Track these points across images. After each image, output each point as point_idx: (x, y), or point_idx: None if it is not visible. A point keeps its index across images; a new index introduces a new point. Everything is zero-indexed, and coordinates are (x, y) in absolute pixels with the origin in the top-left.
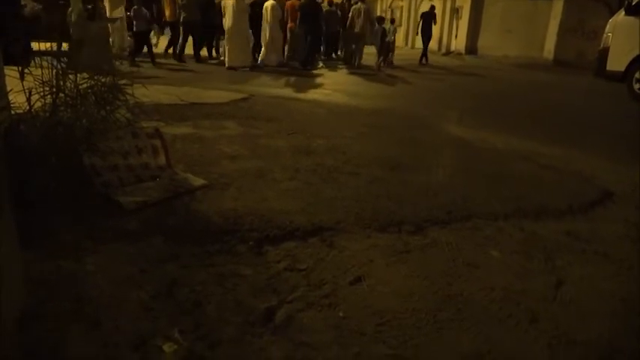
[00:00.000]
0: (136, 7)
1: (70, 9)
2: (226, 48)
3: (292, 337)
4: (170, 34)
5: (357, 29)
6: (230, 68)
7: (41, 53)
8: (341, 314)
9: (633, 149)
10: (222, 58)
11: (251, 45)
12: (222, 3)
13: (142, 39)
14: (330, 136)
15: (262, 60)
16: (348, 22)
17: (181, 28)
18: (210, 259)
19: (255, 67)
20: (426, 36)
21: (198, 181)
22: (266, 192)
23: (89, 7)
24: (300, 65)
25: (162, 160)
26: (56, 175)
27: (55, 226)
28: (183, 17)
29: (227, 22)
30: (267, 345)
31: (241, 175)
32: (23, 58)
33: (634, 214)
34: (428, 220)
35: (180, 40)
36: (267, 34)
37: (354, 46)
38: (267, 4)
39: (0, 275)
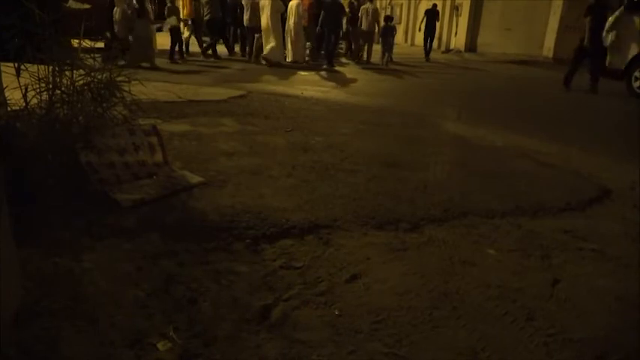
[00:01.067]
0: (169, 4)
1: (115, 8)
2: (262, 44)
3: (288, 334)
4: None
5: (364, 27)
6: (266, 63)
7: (90, 50)
8: (337, 312)
9: (632, 147)
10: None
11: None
12: (244, 2)
13: (175, 35)
14: (328, 133)
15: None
16: (358, 21)
17: (206, 26)
18: (207, 256)
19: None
20: (431, 34)
21: (195, 179)
22: (263, 189)
23: (136, 6)
24: (327, 63)
25: (159, 157)
26: (52, 172)
27: (51, 223)
28: (209, 15)
29: (263, 21)
30: (263, 342)
31: (238, 172)
32: (19, 54)
33: (632, 211)
34: (425, 217)
35: (210, 39)
36: (292, 32)
37: (362, 42)
38: (292, 4)
39: None
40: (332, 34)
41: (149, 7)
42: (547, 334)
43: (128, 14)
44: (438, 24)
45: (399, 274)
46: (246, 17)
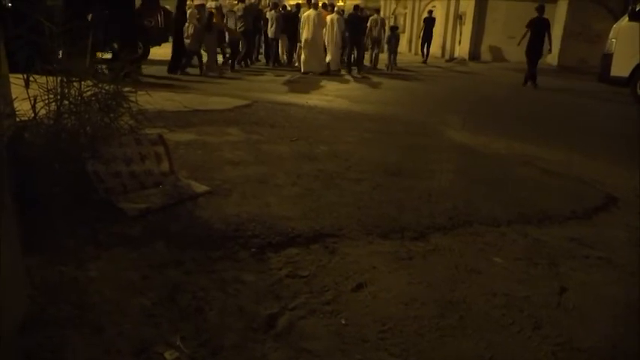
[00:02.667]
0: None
1: (187, 24)
2: (302, 55)
3: (294, 343)
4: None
5: (375, 34)
6: (305, 73)
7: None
8: (343, 321)
9: (636, 154)
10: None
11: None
12: (267, 14)
13: (235, 46)
14: (333, 142)
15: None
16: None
17: (242, 37)
18: (213, 265)
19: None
20: (428, 39)
21: (201, 188)
22: (268, 198)
23: (206, 20)
24: (357, 71)
25: (165, 166)
26: (59, 181)
27: (57, 232)
28: (242, 28)
29: (305, 33)
30: (269, 351)
31: (244, 181)
32: (28, 66)
33: (637, 219)
34: (430, 226)
35: (243, 49)
36: (332, 43)
37: (372, 49)
38: (329, 17)
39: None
40: (357, 44)
41: (221, 22)
42: (555, 343)
43: (199, 29)
44: (438, 32)
45: (405, 283)
46: (271, 29)
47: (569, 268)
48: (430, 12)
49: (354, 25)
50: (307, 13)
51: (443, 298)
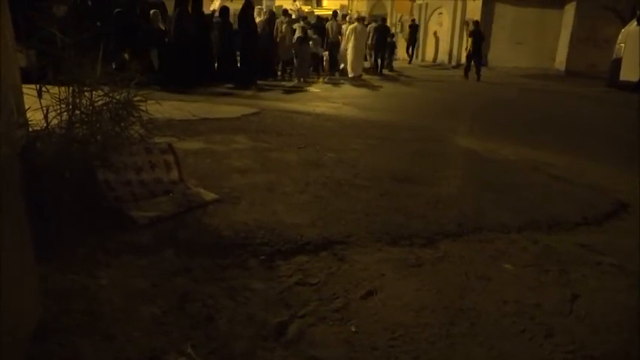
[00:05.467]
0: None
1: (281, 35)
2: (349, 62)
3: (304, 351)
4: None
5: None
6: (353, 78)
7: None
8: (353, 329)
9: None
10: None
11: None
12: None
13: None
14: (340, 149)
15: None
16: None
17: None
18: (222, 273)
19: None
20: (413, 43)
21: (209, 196)
22: (277, 206)
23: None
24: (378, 72)
25: (174, 174)
26: (71, 189)
27: (68, 240)
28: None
29: (346, 43)
30: (279, 359)
31: (252, 188)
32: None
33: None
34: (439, 233)
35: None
36: (358, 51)
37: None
38: (352, 27)
39: (10, 287)
40: (381, 51)
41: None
42: (567, 351)
43: (293, 41)
44: (443, 38)
45: (414, 290)
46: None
47: (580, 275)
48: (414, 20)
49: (379, 34)
50: (353, 26)
51: (453, 306)
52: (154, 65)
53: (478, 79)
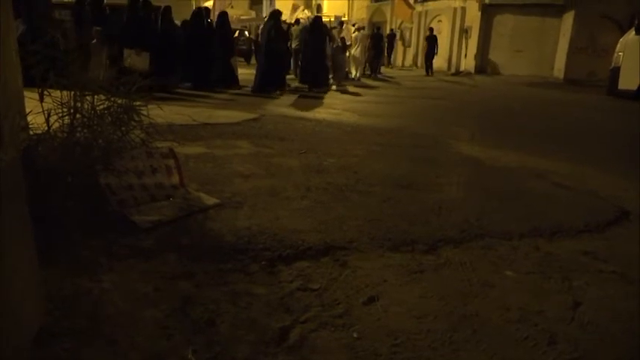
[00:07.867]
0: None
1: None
2: (354, 65)
3: (306, 357)
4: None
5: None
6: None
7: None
8: (355, 335)
9: None
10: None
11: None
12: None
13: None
14: (342, 154)
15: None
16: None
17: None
18: (224, 277)
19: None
20: (389, 52)
21: (211, 200)
22: (279, 211)
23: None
24: (375, 74)
25: (176, 179)
26: (72, 193)
27: (70, 244)
28: (296, 46)
29: (355, 48)
30: None
31: (254, 193)
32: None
33: None
34: (441, 239)
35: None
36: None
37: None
38: (357, 35)
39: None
40: (375, 58)
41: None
42: (570, 358)
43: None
44: (443, 46)
45: (416, 296)
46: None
47: (583, 283)
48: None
49: (377, 41)
50: (358, 33)
51: (455, 312)
52: (174, 67)
53: (431, 74)
